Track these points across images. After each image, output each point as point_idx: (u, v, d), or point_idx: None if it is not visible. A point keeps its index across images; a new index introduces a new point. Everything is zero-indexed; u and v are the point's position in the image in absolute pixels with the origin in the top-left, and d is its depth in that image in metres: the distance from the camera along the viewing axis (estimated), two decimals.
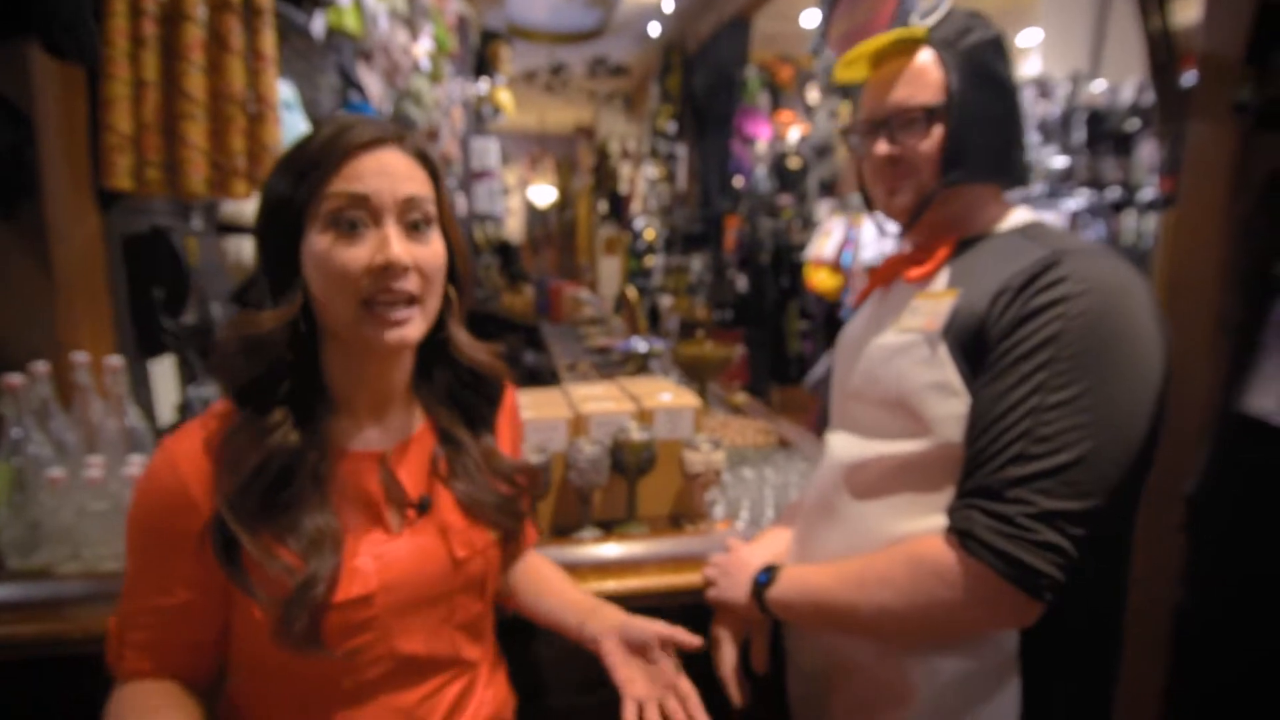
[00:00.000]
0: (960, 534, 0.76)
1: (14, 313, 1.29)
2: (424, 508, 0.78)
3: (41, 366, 1.13)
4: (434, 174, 0.75)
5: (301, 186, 0.68)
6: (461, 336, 0.82)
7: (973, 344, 0.80)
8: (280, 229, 0.70)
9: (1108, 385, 0.73)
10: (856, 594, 0.82)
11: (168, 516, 0.69)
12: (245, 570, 0.68)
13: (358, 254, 0.68)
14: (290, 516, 0.69)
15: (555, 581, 0.96)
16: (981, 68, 0.86)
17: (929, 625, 0.80)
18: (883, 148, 0.89)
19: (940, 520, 0.80)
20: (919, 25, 0.88)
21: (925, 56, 0.87)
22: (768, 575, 0.93)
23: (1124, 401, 0.73)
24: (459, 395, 0.84)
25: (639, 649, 0.83)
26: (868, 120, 0.91)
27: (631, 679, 0.80)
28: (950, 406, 0.80)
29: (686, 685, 0.81)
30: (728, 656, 0.97)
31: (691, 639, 0.83)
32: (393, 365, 0.77)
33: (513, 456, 0.91)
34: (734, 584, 0.97)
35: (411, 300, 0.71)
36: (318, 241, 0.69)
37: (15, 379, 1.09)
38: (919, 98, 0.86)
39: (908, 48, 0.88)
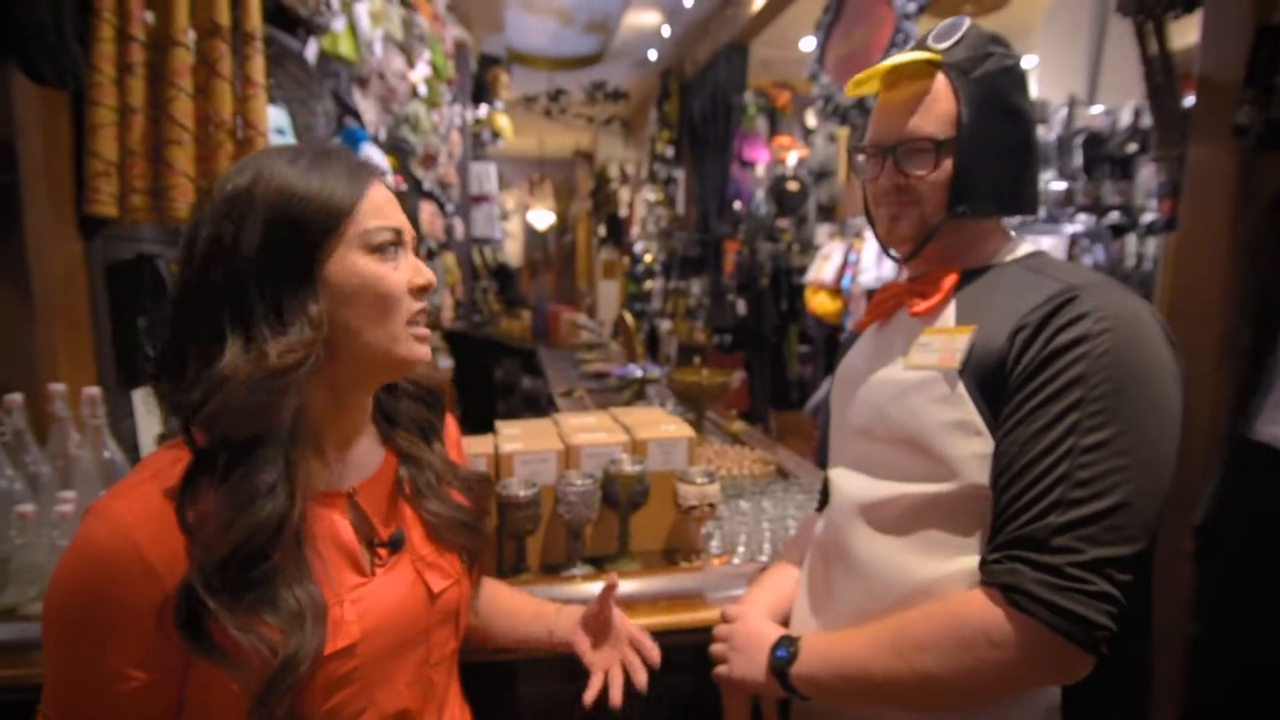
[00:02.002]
0: (1005, 589, 0.71)
1: None
2: (396, 545, 0.75)
3: (15, 398, 1.10)
4: None
5: (333, 213, 0.66)
6: None
7: (992, 382, 0.76)
8: (295, 254, 0.65)
9: (1140, 423, 0.70)
10: (895, 663, 0.76)
11: (119, 590, 0.61)
12: (215, 643, 0.61)
13: (402, 278, 0.71)
14: (267, 589, 0.62)
15: (514, 599, 1.01)
16: (995, 97, 0.82)
17: (978, 689, 0.74)
18: (888, 175, 0.86)
19: (969, 561, 0.76)
20: (935, 48, 0.84)
21: (938, 84, 0.83)
22: (787, 650, 0.85)
23: (1156, 438, 0.71)
24: (410, 410, 0.83)
25: (599, 629, 0.93)
26: (874, 144, 0.87)
27: (600, 658, 0.91)
28: (973, 446, 0.76)
29: (638, 632, 0.93)
30: None
31: (650, 653, 0.92)
32: (370, 394, 0.77)
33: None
34: (747, 660, 0.89)
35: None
36: (365, 264, 0.68)
37: None
38: (928, 128, 0.82)
39: (922, 70, 0.84)
